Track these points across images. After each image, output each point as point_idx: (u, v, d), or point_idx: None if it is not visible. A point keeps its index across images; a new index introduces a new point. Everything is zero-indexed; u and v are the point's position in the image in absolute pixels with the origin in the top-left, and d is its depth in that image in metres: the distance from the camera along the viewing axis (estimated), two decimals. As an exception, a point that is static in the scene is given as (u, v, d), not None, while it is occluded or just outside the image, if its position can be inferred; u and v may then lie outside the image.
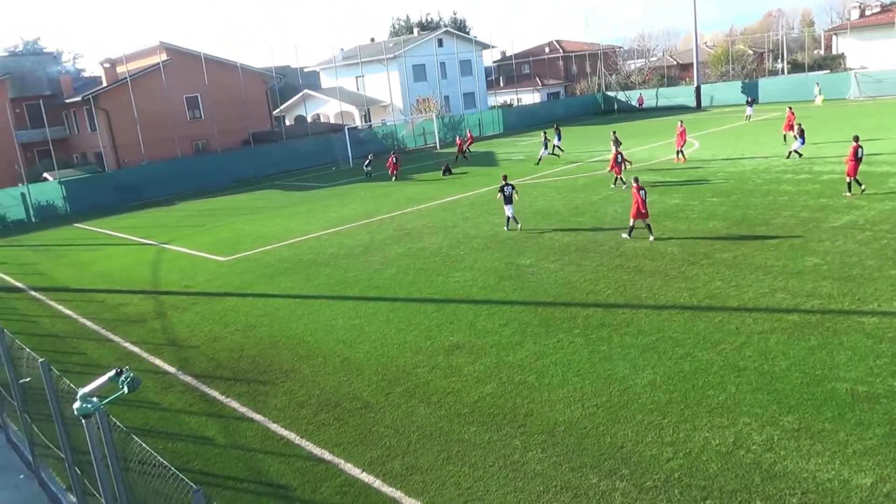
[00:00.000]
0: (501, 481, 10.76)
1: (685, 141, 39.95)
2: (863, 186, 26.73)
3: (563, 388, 13.60)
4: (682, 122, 41.58)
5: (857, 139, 26.59)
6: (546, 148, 46.61)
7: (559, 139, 51.00)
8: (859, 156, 26.35)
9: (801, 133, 36.61)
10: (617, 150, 34.32)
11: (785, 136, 43.08)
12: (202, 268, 27.47)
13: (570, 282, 20.13)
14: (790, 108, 45.00)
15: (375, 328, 18.18)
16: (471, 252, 24.63)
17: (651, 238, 23.62)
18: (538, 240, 25.30)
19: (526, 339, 16.15)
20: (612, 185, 33.81)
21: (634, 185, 24.03)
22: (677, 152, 39.76)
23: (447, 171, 46.20)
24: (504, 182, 27.16)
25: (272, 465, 12.13)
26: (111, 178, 54.04)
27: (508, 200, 26.75)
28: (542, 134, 49.22)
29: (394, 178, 46.94)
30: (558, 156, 47.18)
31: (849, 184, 26.72)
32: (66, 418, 10.28)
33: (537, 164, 45.84)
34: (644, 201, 23.55)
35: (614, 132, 41.70)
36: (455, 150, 55.08)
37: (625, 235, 24.03)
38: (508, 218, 27.12)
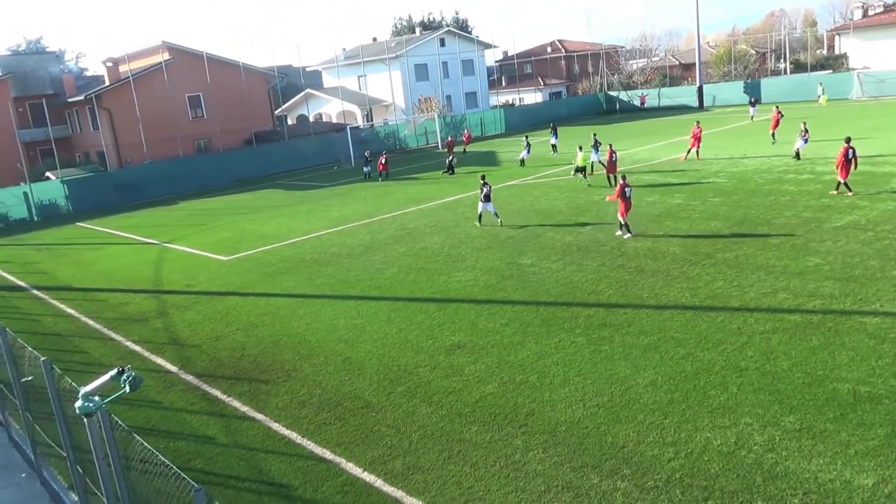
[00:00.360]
0: (503, 481, 10.74)
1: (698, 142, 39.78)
2: (850, 193, 26.75)
3: (565, 387, 13.58)
4: (698, 122, 41.57)
5: (848, 140, 26.60)
6: (528, 151, 46.48)
7: (556, 138, 51.14)
8: (850, 157, 26.32)
9: (805, 132, 36.38)
10: (611, 150, 34.19)
11: (773, 135, 43.36)
12: (204, 267, 27.51)
13: (572, 281, 20.15)
14: (777, 108, 45.50)
15: (377, 328, 18.15)
16: (472, 252, 24.62)
17: (618, 233, 24.24)
18: (540, 239, 25.27)
19: (527, 339, 16.15)
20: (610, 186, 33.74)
21: (621, 181, 24.24)
22: (688, 150, 39.73)
23: (450, 169, 46.22)
24: (483, 181, 28.45)
25: (273, 464, 12.10)
26: (113, 177, 54.15)
27: (486, 199, 27.99)
28: (525, 137, 49.21)
29: (381, 178, 47.68)
30: (524, 163, 46.58)
31: (845, 184, 26.74)
32: (68, 417, 10.28)
33: (523, 164, 45.82)
34: (627, 199, 24.00)
35: (594, 134, 41.36)
36: (456, 149, 54.69)
37: (627, 236, 24.07)
38: (481, 214, 28.54)
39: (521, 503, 10.22)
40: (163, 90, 59.75)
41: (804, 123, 37.20)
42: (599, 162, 37.93)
